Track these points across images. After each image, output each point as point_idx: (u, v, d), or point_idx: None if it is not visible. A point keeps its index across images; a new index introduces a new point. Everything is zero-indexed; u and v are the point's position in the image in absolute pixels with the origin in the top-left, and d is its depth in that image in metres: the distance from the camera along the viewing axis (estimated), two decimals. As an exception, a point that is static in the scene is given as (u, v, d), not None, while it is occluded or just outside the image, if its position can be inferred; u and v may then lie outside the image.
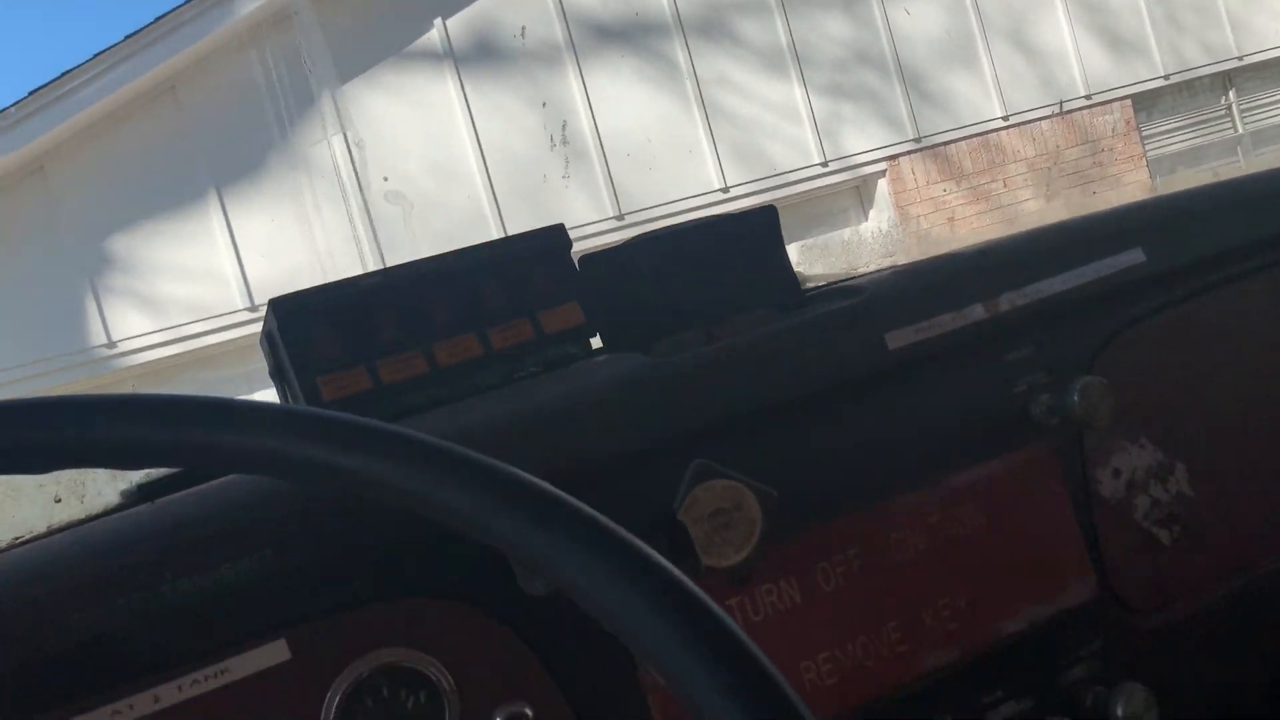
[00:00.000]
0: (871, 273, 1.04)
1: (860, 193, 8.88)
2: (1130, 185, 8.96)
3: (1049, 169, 8.64)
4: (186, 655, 0.71)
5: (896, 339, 0.91)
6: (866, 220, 8.63)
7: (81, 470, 1.06)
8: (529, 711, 0.77)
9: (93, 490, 1.02)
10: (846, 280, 1.02)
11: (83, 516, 1.01)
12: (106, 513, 1.00)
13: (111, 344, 6.75)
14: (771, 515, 0.80)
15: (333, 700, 0.73)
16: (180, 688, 0.71)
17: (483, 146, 7.43)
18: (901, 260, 1.11)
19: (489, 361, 0.89)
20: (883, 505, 0.88)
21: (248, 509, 0.73)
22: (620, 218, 7.73)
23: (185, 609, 0.71)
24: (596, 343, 1.00)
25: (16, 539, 0.99)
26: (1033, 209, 8.60)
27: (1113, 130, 9.11)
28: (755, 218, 1.02)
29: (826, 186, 8.56)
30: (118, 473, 1.06)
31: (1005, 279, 0.96)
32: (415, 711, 0.75)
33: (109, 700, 0.69)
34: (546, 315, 0.91)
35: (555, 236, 0.93)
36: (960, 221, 8.62)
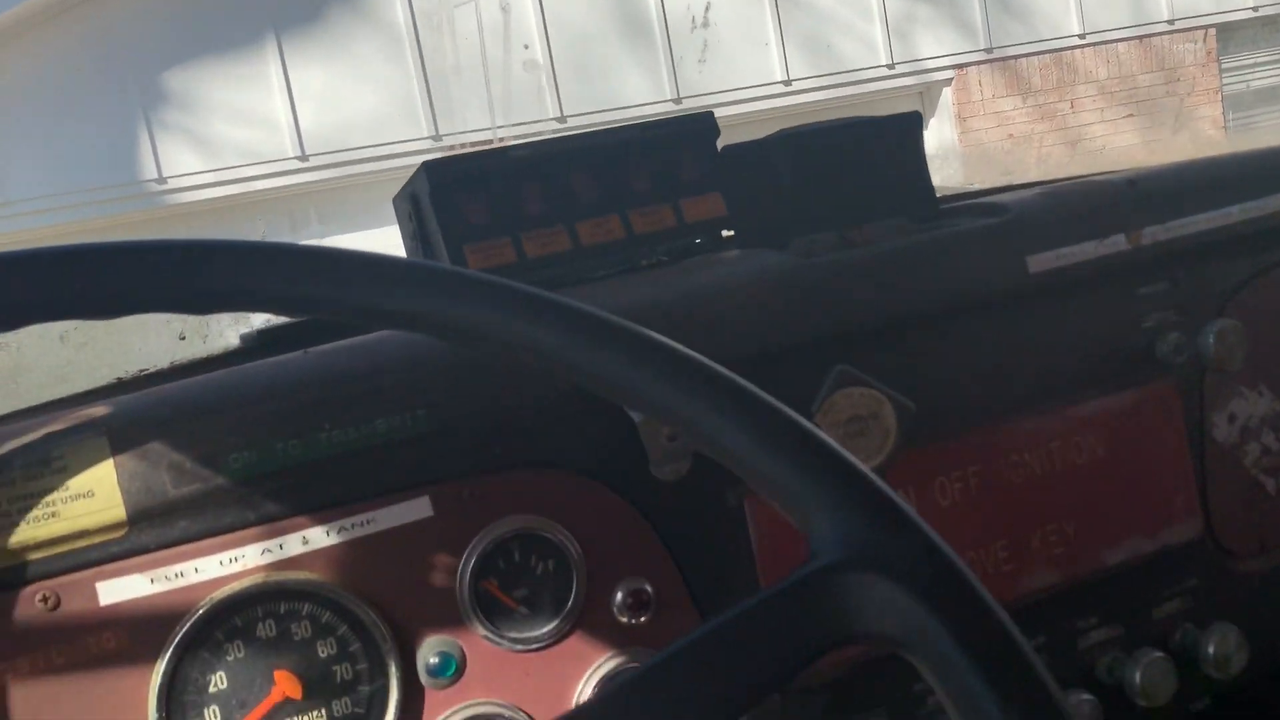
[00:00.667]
0: (1013, 189, 1.03)
1: (923, 99, 8.65)
2: (1202, 120, 8.70)
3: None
4: (335, 502, 0.73)
5: (1038, 263, 0.90)
6: (926, 129, 8.43)
7: (207, 310, 1.08)
8: (649, 588, 0.80)
9: (215, 331, 1.04)
10: (987, 197, 1.01)
11: (204, 356, 1.03)
12: (227, 355, 1.03)
13: (162, 179, 6.75)
14: (906, 427, 0.81)
15: (469, 559, 0.75)
16: (328, 533, 0.73)
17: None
18: (1043, 180, 1.09)
19: (629, 244, 0.89)
20: (1005, 426, 0.89)
21: (404, 369, 0.75)
22: (678, 100, 7.58)
23: (338, 458, 0.73)
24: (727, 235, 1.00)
25: (142, 370, 1.02)
26: (1098, 133, 8.37)
27: (1193, 59, 8.80)
28: (897, 123, 1.00)
29: (890, 89, 8.34)
30: (240, 316, 1.08)
31: (1151, 212, 0.95)
32: (544, 577, 0.78)
33: (259, 539, 0.72)
34: (688, 203, 0.90)
35: (703, 123, 0.92)
36: (1020, 140, 8.42)
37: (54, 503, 0.67)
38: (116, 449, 0.68)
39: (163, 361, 1.03)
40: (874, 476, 0.49)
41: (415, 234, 0.89)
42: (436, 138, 7.12)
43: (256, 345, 1.03)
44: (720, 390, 0.51)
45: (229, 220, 6.84)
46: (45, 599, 0.67)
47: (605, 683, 0.78)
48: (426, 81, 7.01)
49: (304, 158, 6.83)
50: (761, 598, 0.48)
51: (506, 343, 0.51)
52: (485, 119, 6.94)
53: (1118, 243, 0.93)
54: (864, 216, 0.97)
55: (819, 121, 0.99)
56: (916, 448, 0.84)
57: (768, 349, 0.83)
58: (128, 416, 0.70)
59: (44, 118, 6.43)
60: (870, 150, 0.99)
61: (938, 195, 1.02)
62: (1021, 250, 0.91)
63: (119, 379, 0.99)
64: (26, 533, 0.66)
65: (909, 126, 1.01)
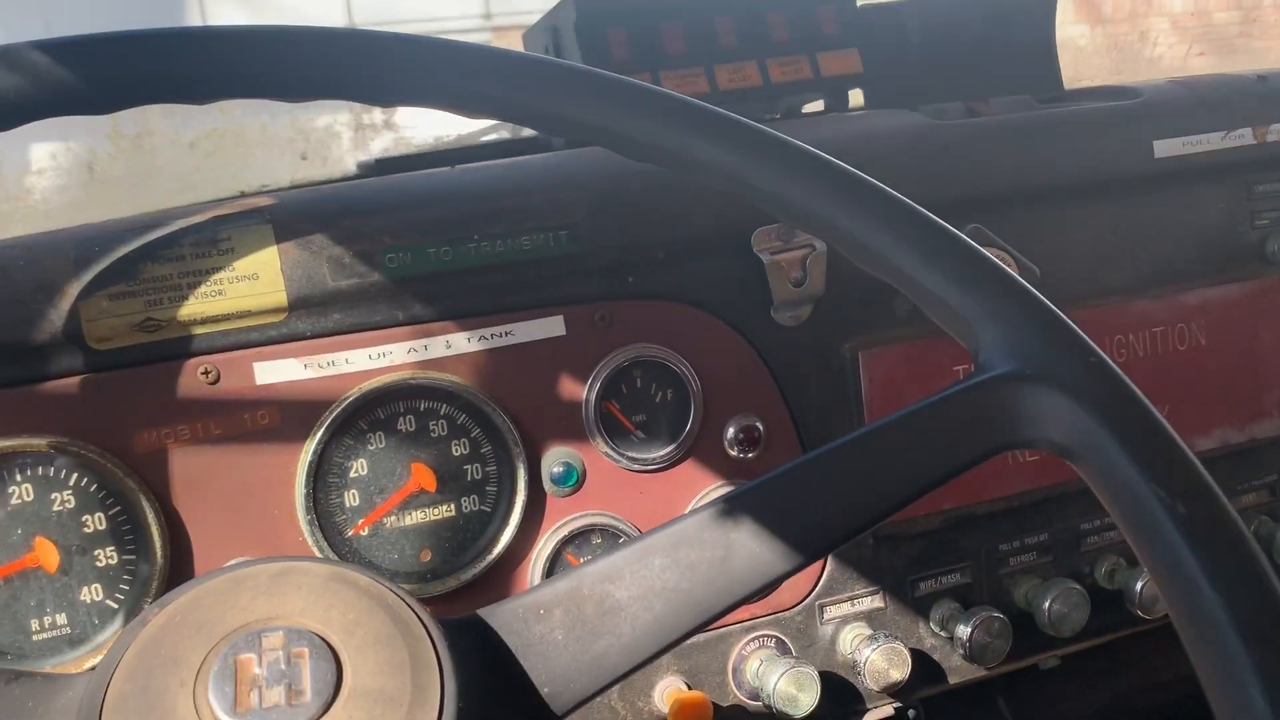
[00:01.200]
0: (1145, 83, 1.02)
1: None
2: (1273, 65, 8.45)
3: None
4: (478, 311, 0.76)
5: (1164, 148, 0.91)
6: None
7: (330, 134, 1.10)
8: (760, 425, 0.83)
9: (335, 155, 1.06)
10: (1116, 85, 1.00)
11: (323, 178, 1.05)
12: (345, 179, 1.05)
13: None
14: (1027, 291, 0.82)
15: (595, 380, 0.79)
16: (469, 339, 0.76)
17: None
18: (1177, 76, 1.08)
19: (765, 92, 0.90)
20: (1113, 305, 0.90)
21: (551, 191, 0.77)
22: None
23: (483, 269, 0.75)
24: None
25: (264, 186, 1.04)
26: (1166, 68, 8.16)
27: (1271, 1, 8.51)
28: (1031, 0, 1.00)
29: None
30: (359, 143, 1.10)
31: (1278, 109, 0.94)
32: (662, 405, 0.81)
33: (406, 339, 0.75)
34: (825, 57, 0.91)
35: (846, -21, 0.92)
36: (1087, 71, 8.22)
37: (220, 281, 0.70)
38: (281, 237, 0.71)
39: (283, 179, 1.05)
40: (1042, 296, 0.51)
41: (552, 66, 0.90)
42: (486, 16, 7.01)
43: (374, 172, 1.05)
44: (896, 210, 0.52)
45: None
46: (206, 372, 0.71)
47: (712, 510, 0.82)
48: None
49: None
50: (934, 399, 0.51)
51: (676, 152, 0.53)
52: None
53: (1244, 136, 0.93)
54: (990, 90, 0.97)
55: (956, -9, 0.99)
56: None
57: None
58: (292, 209, 0.73)
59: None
60: (1002, 25, 0.99)
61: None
62: (1148, 134, 0.91)
63: (241, 192, 1.02)
64: (194, 307, 0.69)
65: (1042, 5, 1.00)
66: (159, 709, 0.40)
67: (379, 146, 1.08)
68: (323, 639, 0.42)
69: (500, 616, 0.49)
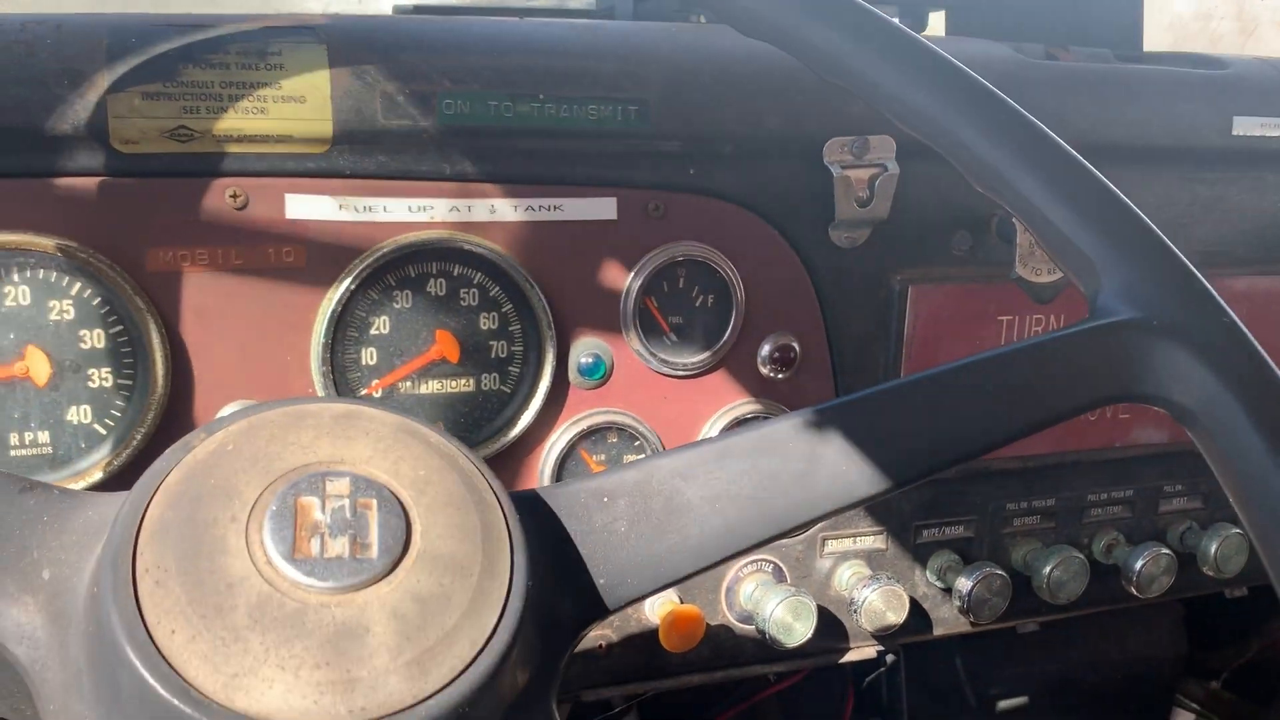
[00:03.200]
0: (1234, 56, 0.99)
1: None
2: None
3: None
4: (529, 179, 0.71)
5: (1243, 126, 0.88)
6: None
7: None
8: (796, 347, 0.79)
9: (374, -7, 0.98)
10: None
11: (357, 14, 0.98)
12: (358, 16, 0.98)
13: None
14: (1093, 249, 0.79)
15: (639, 272, 0.74)
16: (515, 207, 0.71)
17: None
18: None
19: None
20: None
21: (627, 60, 0.71)
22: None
23: (542, 132, 0.70)
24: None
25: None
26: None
27: None
28: (1128, -49, 0.95)
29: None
30: (401, -16, 1.02)
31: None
32: (700, 310, 0.77)
33: (449, 195, 0.69)
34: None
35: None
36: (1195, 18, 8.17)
37: (264, 98, 0.64)
38: (335, 61, 0.65)
39: (314, 8, 0.97)
40: (1174, 248, 0.48)
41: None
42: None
43: (410, 15, 0.98)
44: (1029, 133, 0.48)
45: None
46: (235, 196, 0.65)
47: (734, 425, 0.79)
48: None
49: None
50: (1053, 336, 0.48)
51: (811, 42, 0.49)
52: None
53: (1324, 127, 0.90)
54: (1068, 38, 0.93)
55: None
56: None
57: None
58: (350, 32, 0.66)
59: None
60: (1093, -29, 0.95)
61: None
62: (1229, 109, 0.88)
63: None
64: (232, 122, 0.63)
65: (1138, -42, 0.96)
66: (206, 542, 0.35)
67: (415, -8, 1.01)
68: (392, 492, 0.38)
69: (561, 499, 0.45)
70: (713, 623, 0.81)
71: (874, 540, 0.86)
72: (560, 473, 0.75)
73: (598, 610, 0.44)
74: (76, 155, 0.62)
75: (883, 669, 0.99)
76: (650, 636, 0.77)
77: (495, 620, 0.37)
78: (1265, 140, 0.89)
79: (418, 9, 0.99)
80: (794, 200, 0.77)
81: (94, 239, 0.62)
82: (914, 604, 0.87)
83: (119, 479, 0.64)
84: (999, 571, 0.85)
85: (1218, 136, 0.88)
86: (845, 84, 0.49)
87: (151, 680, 0.33)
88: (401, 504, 0.38)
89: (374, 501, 0.38)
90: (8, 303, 0.62)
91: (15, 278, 0.62)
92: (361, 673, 0.34)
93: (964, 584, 0.85)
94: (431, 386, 0.72)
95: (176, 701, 0.33)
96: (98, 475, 0.64)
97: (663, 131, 0.72)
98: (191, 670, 0.33)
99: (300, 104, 0.64)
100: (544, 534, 0.42)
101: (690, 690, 0.86)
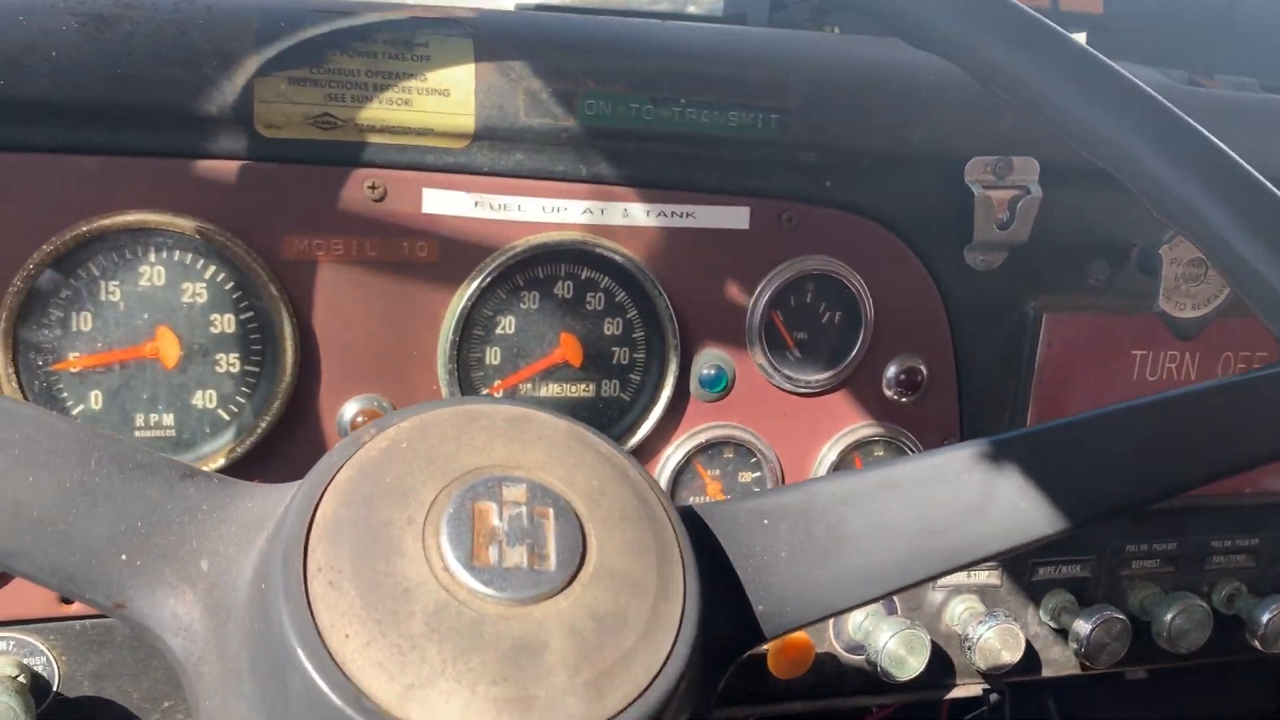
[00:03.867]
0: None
1: None
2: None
3: None
4: (664, 184, 0.69)
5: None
6: None
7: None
8: (924, 369, 0.77)
9: None
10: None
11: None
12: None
13: None
14: (1243, 285, 0.76)
15: (768, 284, 0.72)
16: (648, 212, 0.69)
17: None
18: None
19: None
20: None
21: (771, 68, 0.69)
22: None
23: (681, 138, 0.68)
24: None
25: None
26: None
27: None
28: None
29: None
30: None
31: None
32: (827, 327, 0.75)
33: (584, 198, 0.68)
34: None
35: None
36: None
37: (410, 90, 0.63)
38: (480, 55, 0.64)
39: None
40: None
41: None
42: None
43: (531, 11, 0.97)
44: (1223, 165, 0.46)
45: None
46: (374, 187, 0.64)
47: (854, 449, 0.76)
48: None
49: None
50: (1248, 378, 0.45)
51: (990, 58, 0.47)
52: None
53: None
54: (1214, 65, 0.89)
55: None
56: (1241, 315, 0.79)
57: None
58: (496, 27, 0.65)
59: None
60: (1240, 3, 0.91)
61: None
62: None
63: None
64: (376, 112, 0.62)
65: (1291, -14, 0.92)
66: (383, 541, 0.34)
67: (541, -8, 1.00)
68: (567, 502, 0.36)
69: (719, 518, 0.43)
70: (819, 650, 0.79)
71: (988, 576, 0.82)
72: (675, 487, 0.73)
73: (755, 638, 0.42)
74: (220, 137, 0.61)
75: (984, 708, 0.95)
76: (758, 661, 0.74)
77: (670, 645, 0.35)
78: None
79: (540, 7, 0.98)
80: (931, 218, 0.75)
81: (231, 222, 0.62)
82: (1026, 644, 0.84)
83: (241, 466, 0.63)
84: (1119, 616, 0.81)
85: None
86: (1020, 103, 0.47)
87: (324, 685, 0.32)
88: (577, 515, 0.36)
89: (550, 511, 0.36)
90: (142, 282, 0.62)
91: (151, 258, 0.62)
92: (539, 691, 0.32)
93: (1082, 627, 0.81)
94: (552, 390, 0.71)
95: (349, 710, 0.31)
96: (220, 461, 0.63)
97: (802, 141, 0.70)
98: (366, 678, 0.32)
99: (444, 97, 0.63)
100: (704, 554, 0.40)
101: None
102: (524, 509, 0.36)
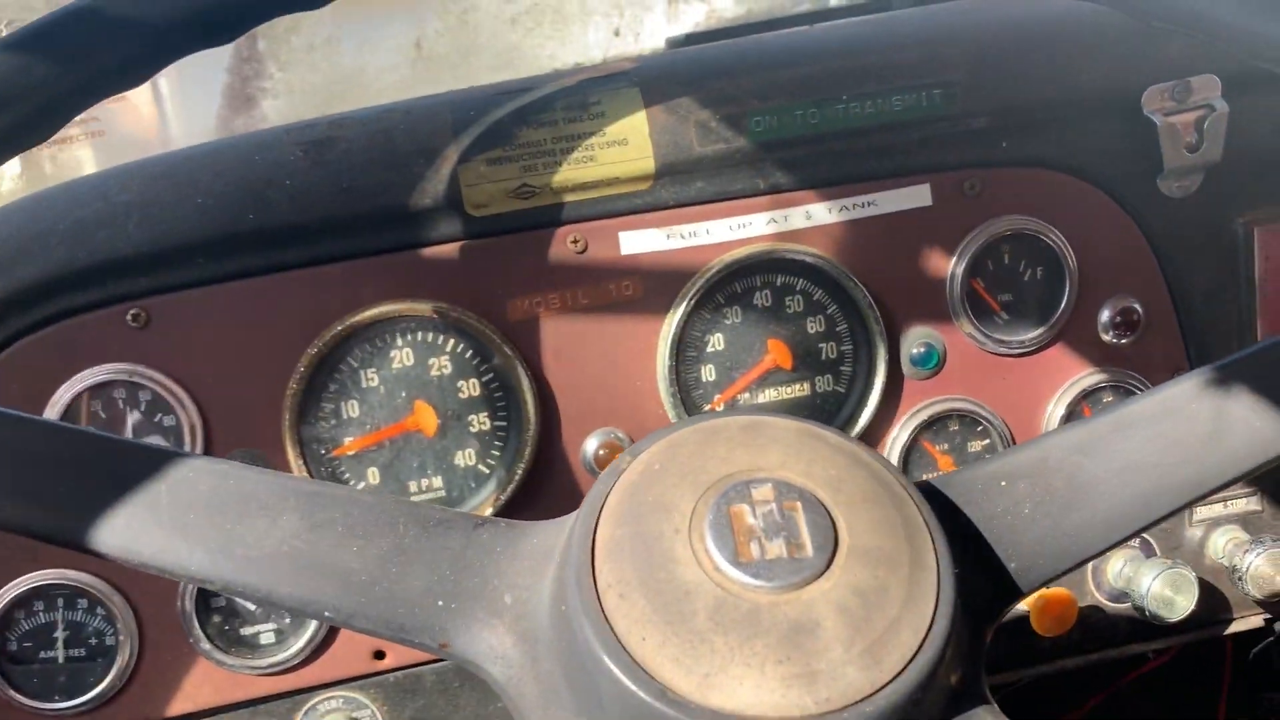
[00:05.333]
0: None
1: None
2: None
3: None
4: (841, 179, 0.72)
5: None
6: None
7: (643, 8, 1.07)
8: (1138, 308, 0.76)
9: (648, 29, 1.03)
10: None
11: (635, 54, 1.02)
12: (653, 55, 1.01)
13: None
14: None
15: (963, 254, 0.73)
16: (830, 210, 0.72)
17: None
18: None
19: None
20: None
21: (925, 45, 0.71)
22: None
23: (849, 133, 0.71)
24: None
25: (579, 64, 1.02)
26: None
27: None
28: None
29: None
30: (671, 17, 1.07)
31: None
32: (1031, 283, 0.75)
33: (767, 209, 0.71)
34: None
35: None
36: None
37: (592, 146, 0.68)
38: (649, 100, 0.69)
39: (596, 56, 1.03)
40: None
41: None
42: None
43: (683, 45, 1.02)
44: None
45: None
46: (575, 241, 0.70)
47: (1081, 399, 0.76)
48: None
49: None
50: None
51: None
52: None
53: None
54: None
55: None
56: None
57: None
58: (657, 71, 0.70)
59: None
60: None
61: None
62: None
63: (555, 70, 1.00)
64: (566, 173, 0.68)
65: None
66: (658, 553, 0.38)
67: (690, 20, 1.04)
68: (812, 493, 0.40)
69: (957, 487, 0.45)
70: (1082, 605, 0.79)
71: (1247, 503, 0.80)
72: (905, 467, 0.75)
73: (1013, 594, 0.44)
74: (438, 224, 0.68)
75: (1272, 638, 0.92)
76: (1023, 623, 0.75)
77: (932, 609, 0.38)
78: None
79: (690, 38, 1.02)
80: (1117, 157, 0.74)
81: (462, 298, 0.69)
82: (1302, 567, 0.81)
83: (507, 511, 0.70)
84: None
85: None
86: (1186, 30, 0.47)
87: (631, 685, 0.36)
88: (823, 504, 0.40)
89: (798, 503, 0.39)
90: (395, 365, 0.70)
91: (399, 342, 0.69)
92: (820, 665, 0.36)
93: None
94: (769, 395, 0.74)
95: (657, 703, 0.36)
96: (488, 511, 0.70)
97: (971, 110, 0.71)
98: (666, 673, 0.36)
99: (624, 146, 0.68)
100: (948, 522, 0.43)
101: (1044, 682, 0.84)
102: (774, 505, 0.39)
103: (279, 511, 0.41)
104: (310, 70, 0.92)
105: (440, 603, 0.42)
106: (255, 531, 0.41)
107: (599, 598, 0.38)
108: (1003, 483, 0.45)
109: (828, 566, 0.38)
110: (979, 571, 0.43)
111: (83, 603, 0.68)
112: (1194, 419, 0.44)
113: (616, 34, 1.02)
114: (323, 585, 0.41)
